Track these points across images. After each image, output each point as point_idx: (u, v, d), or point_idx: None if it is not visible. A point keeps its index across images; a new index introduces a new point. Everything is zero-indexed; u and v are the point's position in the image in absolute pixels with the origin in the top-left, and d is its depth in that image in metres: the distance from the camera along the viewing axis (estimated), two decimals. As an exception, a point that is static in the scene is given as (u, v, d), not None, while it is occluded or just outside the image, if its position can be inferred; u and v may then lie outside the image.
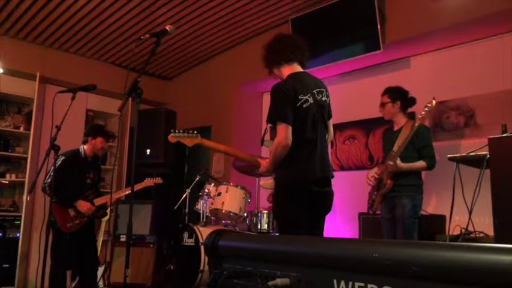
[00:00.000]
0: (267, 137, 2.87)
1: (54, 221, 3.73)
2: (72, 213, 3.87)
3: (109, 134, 4.35)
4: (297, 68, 2.67)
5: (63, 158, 3.81)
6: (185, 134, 2.90)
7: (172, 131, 2.94)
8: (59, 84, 5.46)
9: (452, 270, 0.86)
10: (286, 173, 2.52)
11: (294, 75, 2.61)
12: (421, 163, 3.36)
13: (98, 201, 4.02)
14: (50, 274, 3.68)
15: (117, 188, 5.88)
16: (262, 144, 2.87)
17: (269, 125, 2.69)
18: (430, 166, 3.37)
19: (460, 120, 4.14)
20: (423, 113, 3.22)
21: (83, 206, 3.89)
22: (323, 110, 2.64)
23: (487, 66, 4.01)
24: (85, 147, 4.07)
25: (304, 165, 2.48)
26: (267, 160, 2.62)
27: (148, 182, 4.36)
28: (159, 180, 4.41)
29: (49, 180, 3.75)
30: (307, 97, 2.50)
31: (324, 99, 2.64)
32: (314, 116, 2.53)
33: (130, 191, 4.07)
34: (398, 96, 3.56)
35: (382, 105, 3.62)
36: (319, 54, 4.69)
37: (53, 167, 3.65)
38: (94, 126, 4.50)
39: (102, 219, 4.78)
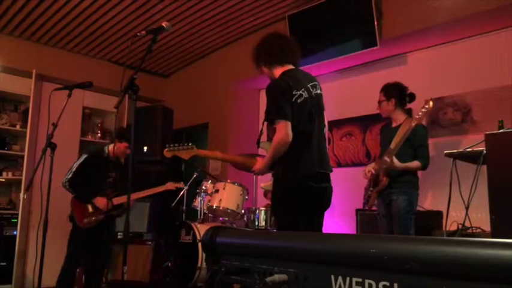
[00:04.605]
0: (263, 138, 2.85)
1: (72, 215, 3.91)
2: (90, 209, 3.93)
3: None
4: (289, 66, 2.68)
5: (85, 156, 3.97)
6: (180, 147, 2.88)
7: (167, 145, 2.91)
8: (56, 81, 5.45)
9: (450, 265, 0.86)
10: (284, 170, 2.51)
11: (286, 73, 2.62)
12: (416, 163, 3.36)
13: (117, 201, 4.03)
14: (61, 269, 3.81)
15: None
16: (258, 146, 2.85)
17: (265, 125, 2.68)
18: (424, 166, 3.38)
19: (457, 116, 4.15)
20: (420, 113, 3.22)
21: (100, 201, 3.94)
22: (319, 103, 2.64)
23: (483, 62, 4.01)
24: (110, 147, 4.11)
25: (302, 161, 2.48)
26: (265, 158, 2.62)
27: (169, 185, 4.31)
28: (181, 185, 4.36)
29: (69, 176, 3.87)
30: (301, 92, 2.50)
31: (318, 92, 2.66)
32: (310, 111, 2.54)
33: (148, 193, 4.18)
34: (393, 93, 3.53)
35: (379, 103, 3.62)
36: (316, 50, 4.69)
37: (75, 165, 3.89)
38: (125, 130, 4.45)
39: None
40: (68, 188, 3.88)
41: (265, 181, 2.88)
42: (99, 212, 3.94)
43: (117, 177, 4.15)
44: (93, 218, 3.92)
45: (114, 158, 4.14)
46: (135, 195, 4.15)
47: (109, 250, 4.27)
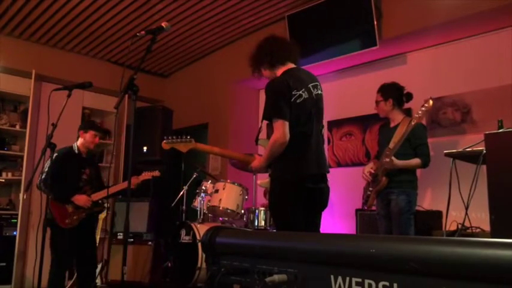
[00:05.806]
0: (262, 135, 2.85)
1: (51, 218, 3.73)
2: (70, 209, 3.86)
3: (100, 129, 4.31)
4: (291, 65, 2.67)
5: (55, 155, 3.78)
6: (179, 140, 2.88)
7: (165, 137, 2.92)
8: (55, 81, 5.43)
9: (449, 265, 0.86)
10: (281, 170, 2.51)
11: (288, 71, 2.61)
12: (416, 161, 3.36)
13: (96, 196, 3.99)
14: (49, 273, 3.68)
15: (114, 186, 5.86)
16: (256, 143, 2.85)
17: (264, 123, 2.67)
18: (425, 164, 3.38)
19: (456, 116, 4.15)
20: (420, 112, 3.22)
21: (80, 199, 3.87)
22: (319, 103, 2.64)
23: (483, 62, 4.01)
24: (78, 143, 4.07)
25: (300, 161, 2.48)
26: (262, 157, 2.62)
27: (145, 175, 4.29)
28: (156, 173, 4.34)
29: (43, 177, 3.74)
30: (301, 92, 2.50)
31: (319, 92, 2.65)
32: (310, 111, 2.53)
33: (126, 186, 4.08)
34: (391, 93, 3.54)
35: (376, 103, 3.62)
36: (315, 50, 4.69)
37: (46, 165, 3.70)
38: (86, 121, 4.46)
39: (99, 217, 4.76)
40: (44, 189, 3.68)
41: (263, 178, 2.88)
42: (80, 211, 3.88)
43: (91, 173, 4.10)
44: (75, 217, 3.85)
45: (85, 153, 4.08)
46: (112, 189, 4.13)
47: (95, 246, 4.21)
